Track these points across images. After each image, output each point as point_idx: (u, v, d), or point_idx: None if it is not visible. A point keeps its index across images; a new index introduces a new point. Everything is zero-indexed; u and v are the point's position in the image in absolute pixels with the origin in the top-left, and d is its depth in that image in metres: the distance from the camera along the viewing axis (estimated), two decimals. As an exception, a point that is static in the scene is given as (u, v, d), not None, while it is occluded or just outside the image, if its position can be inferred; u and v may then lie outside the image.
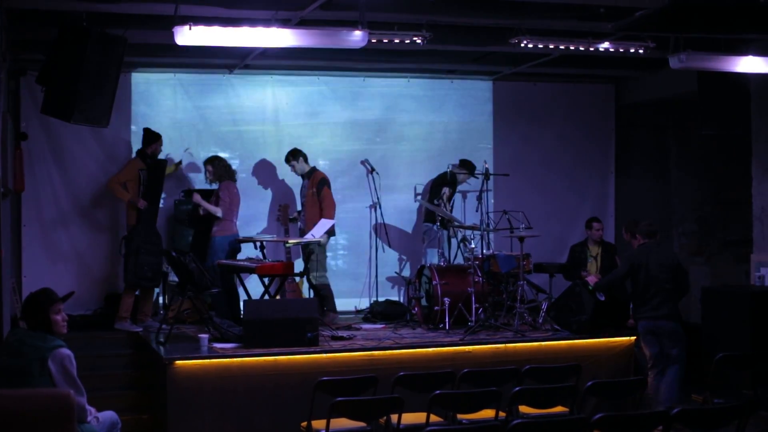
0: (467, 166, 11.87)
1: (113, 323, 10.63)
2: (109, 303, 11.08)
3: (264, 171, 12.03)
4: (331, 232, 11.08)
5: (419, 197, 11.96)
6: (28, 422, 5.52)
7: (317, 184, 11.15)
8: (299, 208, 11.54)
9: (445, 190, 11.42)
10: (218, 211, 10.82)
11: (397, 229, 12.33)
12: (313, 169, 11.35)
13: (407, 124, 12.67)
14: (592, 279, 10.51)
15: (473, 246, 10.55)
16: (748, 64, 9.68)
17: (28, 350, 6.01)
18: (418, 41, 9.17)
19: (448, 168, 11.50)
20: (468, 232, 10.97)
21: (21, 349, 6.04)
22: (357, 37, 8.50)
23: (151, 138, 10.96)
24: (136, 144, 11.34)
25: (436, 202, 11.49)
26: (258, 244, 10.69)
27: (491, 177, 10.98)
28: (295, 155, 11.34)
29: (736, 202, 12.98)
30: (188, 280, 9.52)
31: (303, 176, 11.39)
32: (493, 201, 12.23)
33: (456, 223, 11.24)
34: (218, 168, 11.02)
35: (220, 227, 10.88)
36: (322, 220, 10.92)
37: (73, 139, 11.21)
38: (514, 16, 9.36)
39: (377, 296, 11.67)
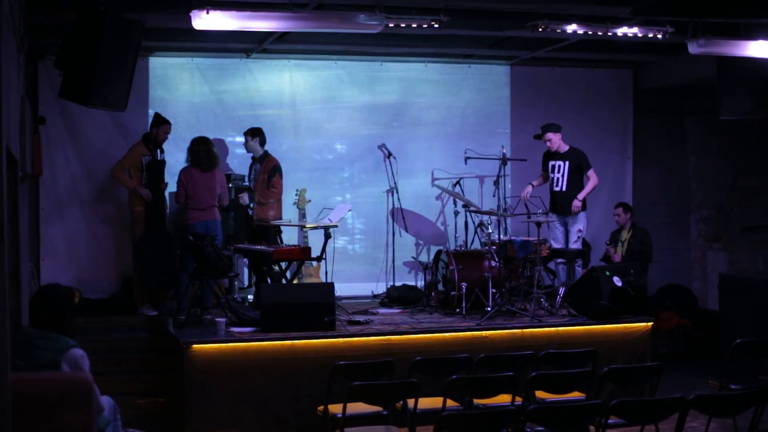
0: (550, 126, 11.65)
1: (131, 307, 10.69)
2: (126, 287, 11.10)
3: (280, 155, 12.00)
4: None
5: (436, 182, 11.93)
6: (45, 406, 5.52)
7: (269, 170, 11.11)
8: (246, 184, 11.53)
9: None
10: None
11: (414, 213, 12.32)
12: (266, 154, 11.26)
13: (424, 109, 12.63)
14: (617, 257, 11.57)
15: (490, 231, 10.55)
16: (767, 49, 9.61)
17: (39, 352, 5.73)
18: (436, 25, 9.14)
19: (465, 153, 11.40)
20: (485, 217, 10.96)
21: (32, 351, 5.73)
22: (374, 21, 8.49)
23: (156, 121, 10.85)
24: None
25: (454, 188, 11.49)
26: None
27: (508, 162, 10.94)
28: (254, 133, 11.25)
29: (755, 188, 12.94)
30: (206, 265, 9.56)
31: (256, 159, 11.33)
32: (510, 186, 12.20)
33: (473, 208, 11.25)
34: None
35: None
36: (339, 205, 10.92)
37: (90, 123, 11.22)
38: (532, 0, 9.31)
39: (394, 281, 11.70)
